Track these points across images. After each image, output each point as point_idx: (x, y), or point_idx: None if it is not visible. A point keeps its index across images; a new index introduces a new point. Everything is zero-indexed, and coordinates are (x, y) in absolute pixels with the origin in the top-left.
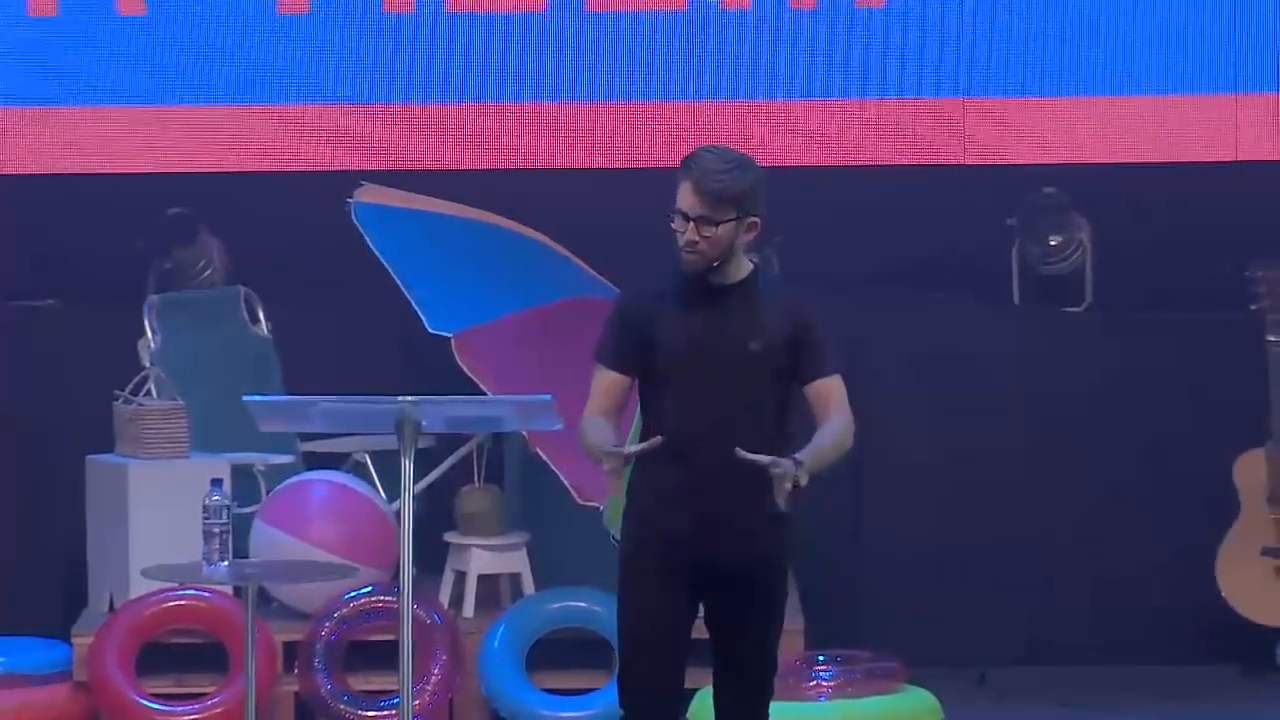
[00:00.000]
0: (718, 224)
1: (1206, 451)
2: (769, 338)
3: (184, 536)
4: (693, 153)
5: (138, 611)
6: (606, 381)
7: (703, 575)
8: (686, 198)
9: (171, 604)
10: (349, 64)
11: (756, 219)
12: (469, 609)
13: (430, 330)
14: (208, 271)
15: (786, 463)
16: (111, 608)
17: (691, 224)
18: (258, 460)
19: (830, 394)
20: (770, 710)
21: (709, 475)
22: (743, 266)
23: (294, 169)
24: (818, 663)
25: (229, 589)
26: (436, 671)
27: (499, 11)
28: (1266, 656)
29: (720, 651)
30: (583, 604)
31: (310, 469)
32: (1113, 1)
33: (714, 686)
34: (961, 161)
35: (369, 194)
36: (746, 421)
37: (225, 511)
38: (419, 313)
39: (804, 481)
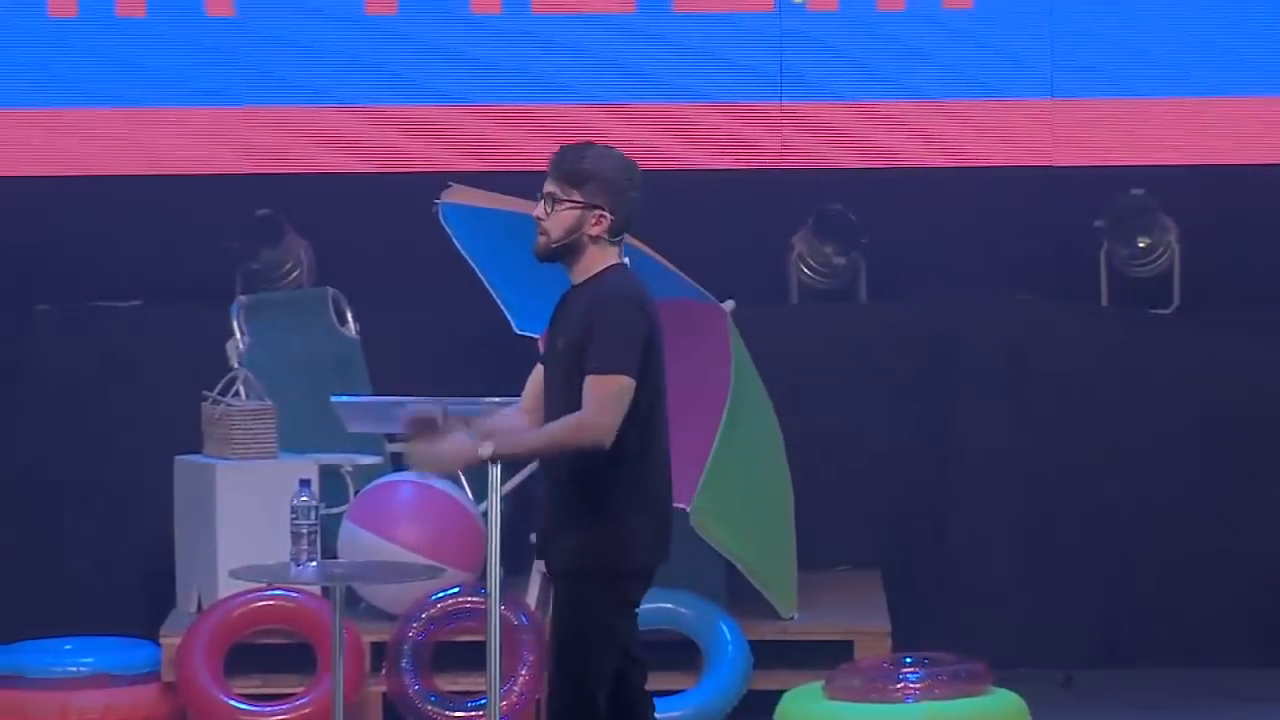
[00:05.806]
0: (561, 203)
1: None
2: (571, 335)
3: (272, 537)
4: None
5: (225, 612)
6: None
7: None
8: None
9: (259, 604)
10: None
11: (605, 212)
12: None
13: (517, 331)
14: (295, 272)
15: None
16: (199, 608)
17: (541, 202)
18: (345, 461)
19: (585, 392)
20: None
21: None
22: (593, 264)
23: (373, 171)
24: (904, 665)
25: (317, 589)
26: (523, 672)
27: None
28: None
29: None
30: (669, 605)
31: (398, 469)
32: (1201, 3)
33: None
34: (1050, 163)
35: (456, 195)
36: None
37: (313, 512)
38: (505, 314)
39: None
